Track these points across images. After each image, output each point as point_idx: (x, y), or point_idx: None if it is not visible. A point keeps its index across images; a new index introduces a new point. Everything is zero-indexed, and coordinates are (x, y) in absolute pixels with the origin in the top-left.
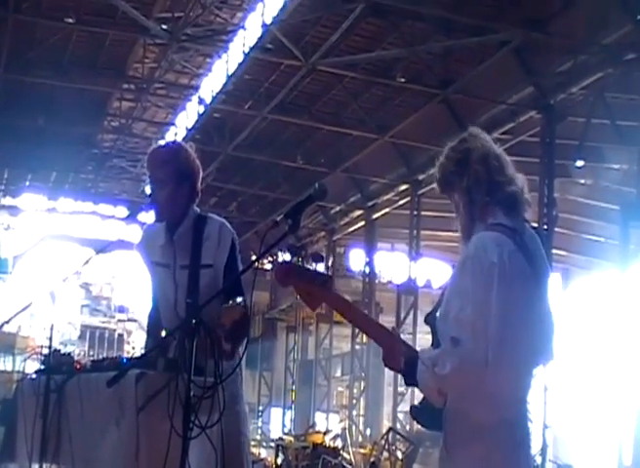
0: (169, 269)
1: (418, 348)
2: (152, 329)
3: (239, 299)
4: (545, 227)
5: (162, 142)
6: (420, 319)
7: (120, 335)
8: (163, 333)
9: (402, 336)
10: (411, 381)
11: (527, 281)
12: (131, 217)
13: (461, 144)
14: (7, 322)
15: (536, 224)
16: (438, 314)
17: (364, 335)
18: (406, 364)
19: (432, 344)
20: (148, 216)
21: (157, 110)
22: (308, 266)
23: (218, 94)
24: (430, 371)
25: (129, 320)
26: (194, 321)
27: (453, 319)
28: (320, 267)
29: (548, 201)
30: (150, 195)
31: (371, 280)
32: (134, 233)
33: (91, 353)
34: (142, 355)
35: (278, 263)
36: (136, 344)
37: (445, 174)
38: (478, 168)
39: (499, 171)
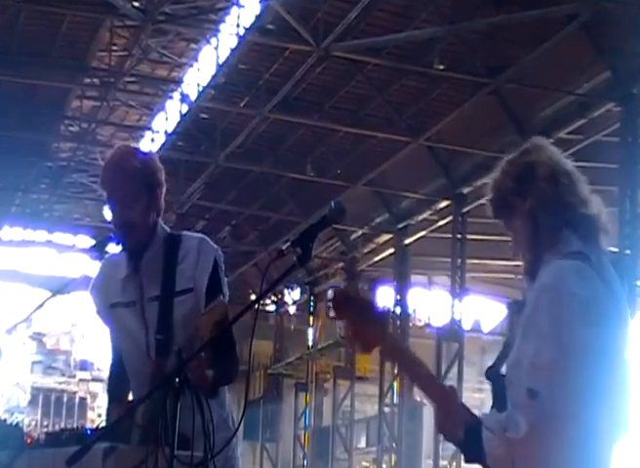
0: (135, 307)
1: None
2: (116, 389)
3: (220, 298)
4: (628, 251)
5: (120, 149)
6: (468, 372)
7: (82, 399)
8: (130, 396)
9: None
10: (473, 456)
11: (612, 322)
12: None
13: (523, 157)
14: None
15: (615, 249)
16: (508, 362)
17: (394, 395)
18: (467, 433)
19: (493, 406)
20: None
21: (128, 111)
22: (365, 296)
23: (205, 88)
24: (501, 438)
25: (94, 379)
26: (177, 379)
27: (528, 366)
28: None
29: (631, 217)
30: (116, 218)
31: (403, 323)
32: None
33: (45, 423)
34: (111, 424)
35: (335, 287)
36: (102, 410)
37: (502, 193)
38: (545, 186)
39: (569, 190)
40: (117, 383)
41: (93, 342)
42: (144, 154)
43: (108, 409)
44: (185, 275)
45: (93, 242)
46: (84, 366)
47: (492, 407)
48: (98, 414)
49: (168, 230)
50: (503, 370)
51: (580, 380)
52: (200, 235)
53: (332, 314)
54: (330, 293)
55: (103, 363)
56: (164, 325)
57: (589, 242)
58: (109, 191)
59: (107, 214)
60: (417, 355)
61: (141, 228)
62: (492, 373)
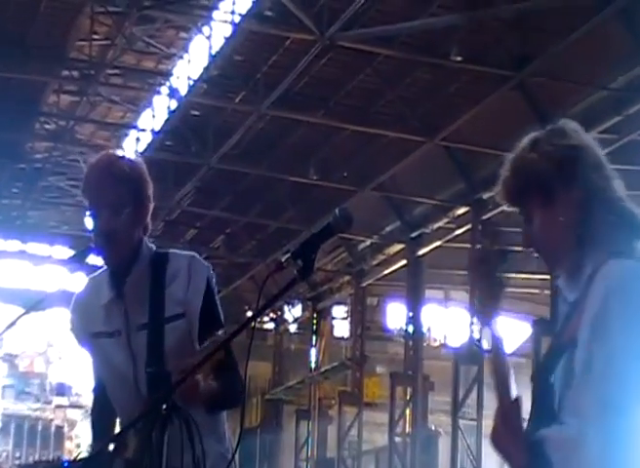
0: (119, 337)
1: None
2: (100, 424)
3: (219, 333)
4: None
5: (108, 153)
6: (488, 398)
7: (59, 428)
8: (117, 427)
9: (462, 424)
10: None
11: None
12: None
13: (564, 139)
14: None
15: None
16: (577, 365)
17: (406, 423)
18: (531, 451)
19: (532, 417)
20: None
21: (111, 107)
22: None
23: (197, 82)
24: (574, 455)
25: (72, 406)
26: (164, 406)
27: (599, 374)
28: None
29: None
30: (98, 226)
31: (416, 343)
32: (78, 282)
33: (17, 454)
34: (92, 455)
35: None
36: (82, 440)
37: (537, 177)
38: (595, 176)
39: (613, 184)
40: (101, 418)
41: (71, 364)
42: (133, 162)
43: (93, 443)
44: (175, 299)
45: (72, 253)
46: (61, 390)
47: (532, 418)
48: (76, 445)
49: (154, 248)
50: (553, 378)
51: None
52: (189, 253)
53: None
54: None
55: (83, 387)
56: (155, 356)
57: (636, 241)
58: (93, 195)
59: (88, 222)
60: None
61: (125, 241)
62: (540, 379)
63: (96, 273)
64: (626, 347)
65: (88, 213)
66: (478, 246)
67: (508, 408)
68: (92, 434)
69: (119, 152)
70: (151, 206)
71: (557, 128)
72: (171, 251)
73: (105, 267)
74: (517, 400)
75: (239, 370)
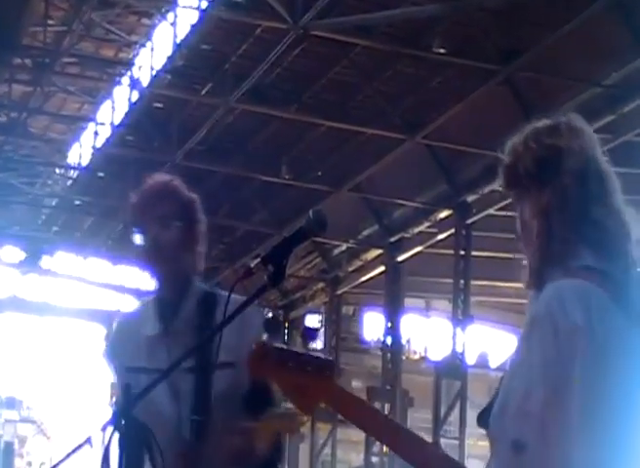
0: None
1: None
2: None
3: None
4: None
5: (158, 175)
6: (471, 415)
7: (8, 444)
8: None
9: (444, 443)
10: None
11: (630, 354)
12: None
13: (552, 136)
14: None
15: None
16: (493, 411)
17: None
18: None
19: (491, 458)
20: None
21: (67, 98)
22: (295, 347)
23: (160, 72)
24: None
25: (23, 421)
26: (123, 421)
27: (514, 412)
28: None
29: None
30: (149, 241)
31: (395, 355)
32: (31, 287)
33: None
34: None
35: (252, 346)
36: (33, 458)
37: (518, 170)
38: (569, 183)
39: (598, 196)
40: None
41: (21, 375)
42: (183, 186)
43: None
44: (225, 345)
45: (23, 255)
46: (11, 404)
47: (491, 456)
48: (27, 463)
49: (204, 287)
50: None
51: (579, 429)
52: (241, 297)
53: (255, 372)
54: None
55: (34, 401)
56: (201, 404)
57: (610, 255)
58: (142, 211)
59: (137, 240)
60: (375, 408)
61: (173, 260)
62: (485, 418)
63: (146, 299)
64: (547, 381)
65: (135, 231)
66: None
67: (431, 452)
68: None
69: (169, 176)
70: (202, 238)
71: (555, 123)
72: (220, 291)
73: (153, 294)
74: (436, 443)
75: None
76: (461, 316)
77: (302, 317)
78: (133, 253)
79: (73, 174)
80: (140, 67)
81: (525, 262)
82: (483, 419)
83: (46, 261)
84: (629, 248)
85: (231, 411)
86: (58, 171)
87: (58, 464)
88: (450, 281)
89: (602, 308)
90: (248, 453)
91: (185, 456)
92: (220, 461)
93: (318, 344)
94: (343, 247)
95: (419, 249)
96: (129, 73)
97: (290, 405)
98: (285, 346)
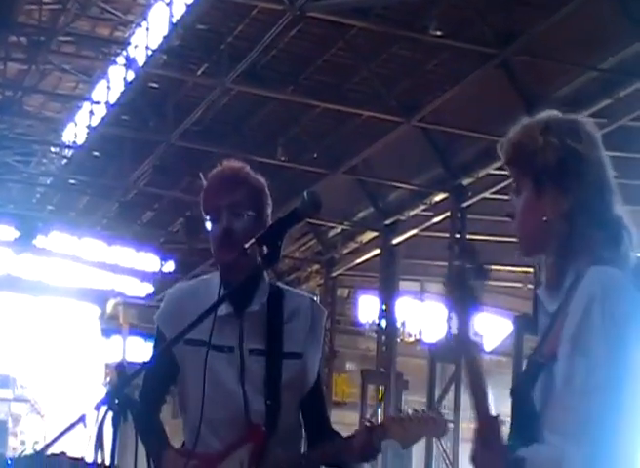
0: (230, 354)
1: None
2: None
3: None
4: None
5: (231, 161)
6: (465, 398)
7: (2, 423)
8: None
9: None
10: None
11: None
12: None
13: (574, 139)
14: None
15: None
16: (558, 380)
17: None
18: None
19: (512, 434)
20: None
21: (62, 77)
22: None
23: (156, 52)
24: None
25: (16, 399)
26: (117, 400)
27: (580, 388)
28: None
29: None
30: (219, 226)
31: (389, 338)
32: (25, 266)
33: None
34: (39, 453)
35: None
36: (27, 436)
37: (539, 166)
38: (592, 193)
39: (611, 204)
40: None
41: (15, 354)
42: (255, 175)
43: (158, 455)
44: (294, 337)
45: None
46: (4, 383)
47: (512, 433)
48: (21, 441)
49: (269, 280)
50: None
51: (633, 406)
52: (308, 295)
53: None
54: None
55: (28, 379)
56: (273, 389)
57: (622, 250)
58: (214, 198)
59: (209, 229)
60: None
61: (243, 251)
62: (520, 393)
63: (207, 277)
64: (609, 359)
65: (207, 218)
66: (455, 263)
67: (488, 426)
68: (154, 443)
69: (242, 163)
70: (268, 222)
71: (572, 121)
72: (285, 287)
73: (217, 276)
74: (496, 418)
75: None
76: None
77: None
78: (128, 233)
79: (68, 153)
80: (135, 47)
81: (538, 263)
82: (518, 393)
83: (40, 240)
84: (632, 250)
85: (294, 402)
86: (53, 149)
87: (51, 443)
88: (445, 264)
89: (637, 296)
90: (377, 452)
91: (255, 443)
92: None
93: None
94: (338, 229)
95: (414, 231)
96: (124, 52)
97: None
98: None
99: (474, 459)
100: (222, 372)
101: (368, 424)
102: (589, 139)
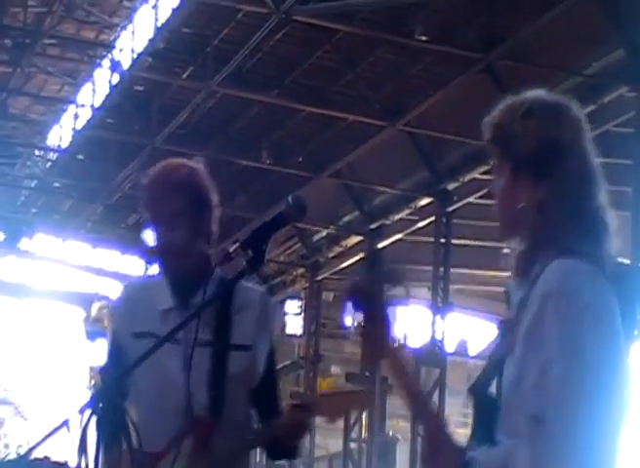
0: (175, 345)
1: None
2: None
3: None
4: None
5: (165, 162)
6: (450, 403)
7: None
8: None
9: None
10: None
11: (620, 335)
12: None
13: (556, 126)
14: None
15: (626, 260)
16: (505, 381)
17: (362, 428)
18: None
19: (474, 434)
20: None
21: (47, 79)
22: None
23: (141, 55)
24: None
25: (0, 402)
26: (101, 404)
27: (531, 387)
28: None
29: None
30: (158, 241)
31: None
32: (9, 268)
33: None
34: (22, 457)
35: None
36: (10, 440)
37: (517, 151)
38: (568, 183)
39: (591, 194)
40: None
41: None
42: (191, 168)
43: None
44: (243, 329)
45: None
46: None
47: (472, 434)
48: (4, 445)
49: (220, 272)
50: (493, 389)
51: (595, 403)
52: (260, 288)
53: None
54: (349, 285)
55: (12, 382)
56: (218, 380)
57: (596, 242)
58: (151, 208)
59: (149, 237)
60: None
61: (188, 254)
62: (478, 392)
63: (154, 275)
64: (563, 357)
65: (145, 227)
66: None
67: (434, 425)
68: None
69: (177, 161)
70: (214, 214)
71: (557, 105)
72: (236, 280)
73: (164, 274)
74: (438, 415)
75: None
76: (441, 304)
77: (282, 302)
78: (113, 236)
79: (53, 155)
80: (120, 50)
81: (506, 250)
82: (475, 389)
83: (25, 243)
84: (610, 244)
85: (241, 394)
86: (37, 152)
87: (35, 446)
88: (430, 268)
89: (606, 290)
90: (305, 428)
91: (197, 432)
92: (229, 441)
93: (297, 330)
94: (323, 233)
95: (399, 236)
96: (109, 55)
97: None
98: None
99: (424, 461)
100: (167, 364)
101: (294, 403)
102: (572, 125)
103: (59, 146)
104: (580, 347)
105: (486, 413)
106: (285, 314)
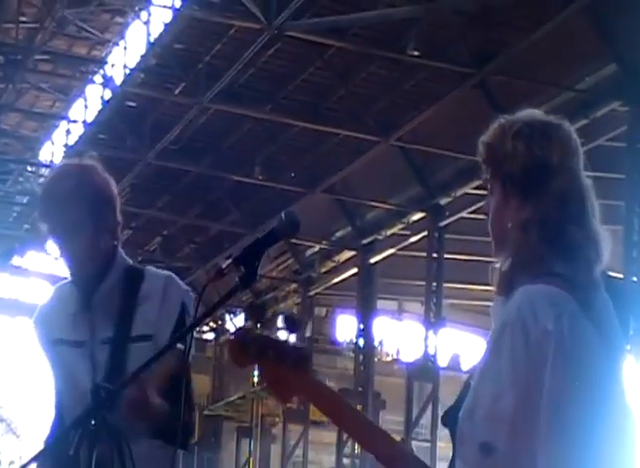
0: (83, 348)
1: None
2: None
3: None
4: (635, 278)
5: (57, 168)
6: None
7: None
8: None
9: (416, 446)
10: None
11: (596, 358)
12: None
13: (544, 147)
14: None
15: (618, 275)
16: (461, 412)
17: (355, 444)
18: None
19: (453, 458)
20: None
21: (39, 95)
22: (277, 336)
23: (133, 71)
24: None
25: None
26: (93, 422)
27: (483, 416)
28: (293, 338)
29: (639, 238)
30: (62, 253)
31: (367, 357)
32: (1, 285)
33: None
34: None
35: (233, 332)
36: (3, 456)
37: (505, 172)
38: (552, 204)
39: (577, 217)
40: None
41: None
42: (82, 170)
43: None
44: (146, 319)
45: None
46: None
47: (452, 458)
48: None
49: (129, 262)
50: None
51: (547, 435)
52: (167, 273)
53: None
54: (230, 337)
55: (4, 399)
56: (114, 373)
57: (577, 263)
58: (49, 222)
59: (53, 247)
60: (349, 403)
61: (92, 258)
62: (449, 418)
63: (62, 282)
64: (517, 385)
65: (47, 235)
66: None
67: (399, 451)
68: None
69: (67, 167)
70: (114, 204)
71: (547, 126)
72: (147, 267)
73: (71, 275)
74: (403, 440)
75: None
76: (434, 318)
77: (274, 318)
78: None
79: (45, 171)
80: (112, 66)
81: (496, 265)
82: (447, 419)
83: (17, 260)
84: (598, 268)
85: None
86: (29, 168)
87: (27, 463)
88: (422, 283)
89: (572, 314)
90: (144, 402)
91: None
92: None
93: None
94: (316, 248)
95: (391, 251)
96: (102, 71)
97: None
98: (265, 334)
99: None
100: (76, 368)
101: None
102: (561, 146)
103: (51, 162)
104: (534, 377)
105: (453, 439)
106: (277, 329)
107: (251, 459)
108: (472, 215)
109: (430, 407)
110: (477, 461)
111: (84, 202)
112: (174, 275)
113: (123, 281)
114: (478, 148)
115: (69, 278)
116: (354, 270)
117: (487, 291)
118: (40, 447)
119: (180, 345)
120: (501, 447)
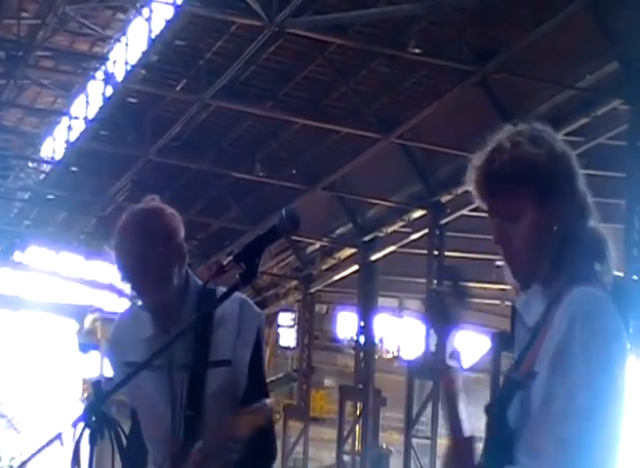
0: (160, 373)
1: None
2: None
3: (267, 401)
4: (635, 277)
5: (131, 213)
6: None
7: None
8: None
9: (416, 443)
10: None
11: (625, 360)
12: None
13: (560, 158)
14: None
15: (619, 273)
16: (535, 400)
17: (355, 441)
18: None
19: (485, 454)
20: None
21: (40, 91)
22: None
23: (134, 67)
24: None
25: None
26: (94, 418)
27: (559, 412)
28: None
29: None
30: (142, 297)
31: (367, 354)
32: (3, 281)
33: None
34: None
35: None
36: (4, 452)
37: (543, 175)
38: (565, 207)
39: (585, 213)
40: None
41: None
42: (158, 215)
43: None
44: (223, 344)
45: None
46: None
47: (484, 453)
48: None
49: (199, 282)
50: (511, 410)
51: (612, 428)
52: (241, 296)
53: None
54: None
55: (5, 394)
56: (195, 399)
57: (599, 265)
58: (123, 261)
59: (118, 279)
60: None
61: (166, 292)
62: (495, 413)
63: (131, 307)
64: (590, 383)
65: (119, 272)
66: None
67: (461, 447)
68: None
69: (143, 207)
70: (182, 233)
71: (539, 128)
72: (219, 288)
73: (142, 302)
74: (470, 438)
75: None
76: None
77: (275, 315)
78: (106, 248)
79: (46, 167)
80: (114, 62)
81: (499, 263)
82: (492, 412)
83: (18, 255)
84: (610, 261)
85: (226, 409)
86: (30, 164)
87: (28, 459)
88: (423, 281)
89: (618, 317)
90: (233, 436)
91: (175, 455)
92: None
93: (291, 342)
94: (317, 245)
95: (392, 248)
96: (103, 68)
97: (267, 401)
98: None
99: None
100: (153, 393)
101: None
102: (565, 155)
103: (52, 158)
104: (606, 376)
105: (501, 432)
106: (278, 326)
107: None
108: (473, 213)
109: (431, 404)
110: (554, 454)
111: (160, 241)
112: (248, 299)
113: (198, 304)
114: (471, 174)
115: (142, 305)
116: (355, 267)
117: (488, 288)
118: (41, 443)
119: (269, 401)
120: (575, 443)
